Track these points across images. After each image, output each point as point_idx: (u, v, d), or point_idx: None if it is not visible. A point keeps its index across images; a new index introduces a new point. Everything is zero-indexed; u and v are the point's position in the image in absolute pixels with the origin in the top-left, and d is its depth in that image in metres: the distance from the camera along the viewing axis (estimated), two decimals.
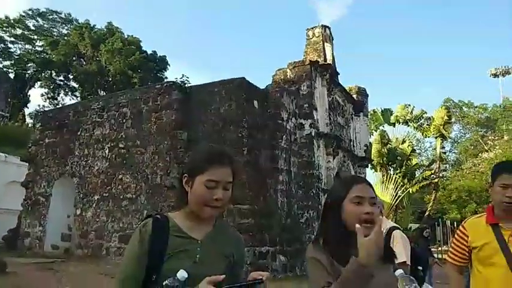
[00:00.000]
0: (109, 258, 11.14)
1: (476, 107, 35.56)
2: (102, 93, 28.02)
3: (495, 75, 41.28)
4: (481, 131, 35.73)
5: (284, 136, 12.23)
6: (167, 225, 1.51)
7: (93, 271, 9.39)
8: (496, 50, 68.75)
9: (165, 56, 30.41)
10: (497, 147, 32.18)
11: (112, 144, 12.48)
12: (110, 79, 28.77)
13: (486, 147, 33.41)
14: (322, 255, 1.60)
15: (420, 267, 3.23)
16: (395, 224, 3.57)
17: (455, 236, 2.44)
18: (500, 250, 2.13)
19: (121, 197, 11.84)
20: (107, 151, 12.57)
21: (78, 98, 29.37)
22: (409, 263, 3.20)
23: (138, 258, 1.45)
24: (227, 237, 1.63)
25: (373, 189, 1.72)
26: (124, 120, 12.42)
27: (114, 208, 11.88)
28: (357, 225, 1.50)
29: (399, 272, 1.58)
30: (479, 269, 2.24)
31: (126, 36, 28.98)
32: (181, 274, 1.39)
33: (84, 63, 29.63)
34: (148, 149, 11.62)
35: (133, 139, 12.03)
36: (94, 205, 12.38)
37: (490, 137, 35.10)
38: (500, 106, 34.90)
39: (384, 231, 3.37)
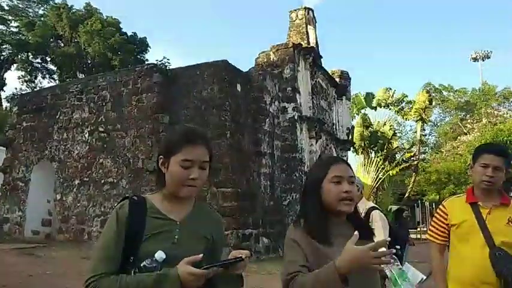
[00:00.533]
0: (91, 242, 11.05)
1: (456, 91, 36.17)
2: (81, 75, 27.30)
3: (475, 59, 41.96)
4: (460, 115, 36.45)
5: (267, 119, 12.20)
6: (145, 206, 1.49)
7: (75, 255, 9.31)
8: (478, 34, 69.73)
9: (145, 37, 29.73)
10: (475, 130, 32.95)
11: (92, 128, 12.26)
12: (89, 61, 28.03)
13: (465, 130, 34.17)
14: (301, 237, 1.59)
15: (398, 246, 3.29)
16: (374, 205, 3.65)
17: (435, 214, 2.47)
18: (478, 227, 2.18)
19: (102, 181, 11.70)
20: (86, 135, 12.34)
21: (57, 81, 28.60)
22: (388, 240, 3.27)
23: (115, 239, 1.42)
24: (206, 218, 1.61)
25: (352, 169, 1.72)
26: (104, 104, 12.17)
27: (95, 193, 11.75)
28: (356, 233, 1.43)
29: (381, 249, 1.57)
30: (457, 246, 2.29)
31: (105, 17, 28.18)
32: (160, 255, 1.38)
33: (62, 45, 28.75)
34: (129, 133, 11.46)
35: (114, 123, 11.83)
36: (74, 190, 12.23)
37: (469, 121, 35.88)
38: (479, 90, 35.59)
39: (363, 211, 3.48)
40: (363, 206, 3.42)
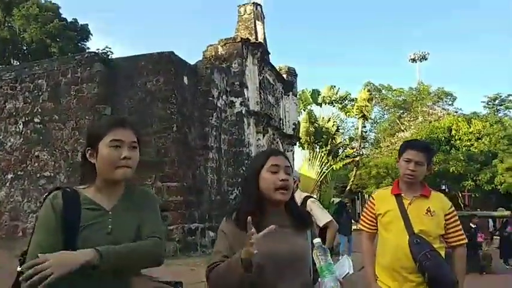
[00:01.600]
0: (26, 240, 10.38)
1: (394, 90, 38.17)
2: (15, 63, 25.45)
3: (413, 60, 44.48)
4: (398, 113, 38.54)
5: (214, 113, 12.17)
6: (78, 197, 1.48)
7: (8, 254, 8.74)
8: (416, 35, 73.88)
9: (86, 24, 28.21)
10: (412, 127, 35.06)
11: (26, 119, 11.53)
12: (25, 48, 26.19)
13: (402, 127, 36.24)
14: (231, 229, 1.65)
15: (319, 239, 3.49)
16: (308, 194, 3.86)
17: (366, 205, 2.65)
18: (400, 216, 2.36)
19: (38, 175, 11.07)
20: (20, 126, 11.59)
21: None
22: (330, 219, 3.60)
23: (53, 230, 1.40)
24: (137, 202, 1.60)
25: (289, 161, 1.80)
26: (40, 93, 11.48)
27: (30, 187, 11.10)
28: (249, 218, 1.48)
29: (317, 240, 1.64)
30: (382, 233, 2.48)
31: (43, 2, 26.43)
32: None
33: None
34: (67, 125, 10.91)
35: (51, 114, 11.20)
36: (8, 184, 11.48)
37: (406, 118, 38.06)
38: (415, 89, 37.82)
39: (299, 201, 3.67)
40: (298, 195, 3.58)
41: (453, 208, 2.42)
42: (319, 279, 1.61)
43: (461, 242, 2.39)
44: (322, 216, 3.60)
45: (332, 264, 1.61)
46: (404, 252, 2.28)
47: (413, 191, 2.42)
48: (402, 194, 2.43)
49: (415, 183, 2.43)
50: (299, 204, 3.63)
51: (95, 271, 1.34)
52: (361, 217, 2.65)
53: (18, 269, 1.45)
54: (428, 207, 2.36)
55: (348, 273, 1.73)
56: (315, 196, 3.90)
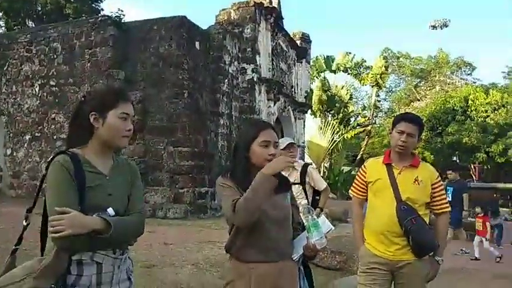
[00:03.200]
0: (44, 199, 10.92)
1: (412, 58, 37.28)
2: (31, 24, 25.46)
3: (434, 27, 42.98)
4: (415, 81, 37.80)
5: (226, 80, 12.21)
6: (80, 160, 1.60)
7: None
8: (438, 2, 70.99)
9: None
10: (428, 96, 34.46)
11: (42, 82, 11.77)
12: (40, 9, 26.08)
13: (418, 97, 35.66)
14: (230, 183, 1.87)
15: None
16: (306, 162, 4.27)
17: (357, 173, 2.80)
18: (389, 184, 2.51)
19: (54, 137, 11.43)
20: (37, 88, 11.86)
21: (3, 28, 26.55)
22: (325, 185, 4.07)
23: (72, 189, 1.52)
24: (126, 169, 1.77)
25: (277, 134, 1.98)
26: (55, 56, 11.65)
27: (47, 148, 11.49)
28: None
29: (304, 202, 1.90)
30: (372, 200, 2.63)
31: None
32: (111, 211, 1.56)
33: None
34: (82, 88, 11.11)
35: (66, 77, 11.41)
36: (26, 145, 11.89)
37: (422, 87, 37.36)
38: (434, 57, 36.87)
39: (299, 167, 4.06)
40: (298, 164, 4.08)
41: (439, 178, 2.56)
42: (305, 234, 1.84)
43: (445, 209, 2.54)
44: (320, 182, 4.05)
45: (318, 223, 1.85)
46: (391, 217, 2.44)
47: (403, 161, 2.54)
48: (393, 164, 2.56)
49: (406, 153, 2.55)
50: (299, 170, 3.96)
51: (97, 237, 1.50)
52: (353, 184, 2.80)
53: (24, 223, 1.66)
54: (417, 176, 2.50)
55: (332, 229, 1.93)
56: (312, 164, 4.33)
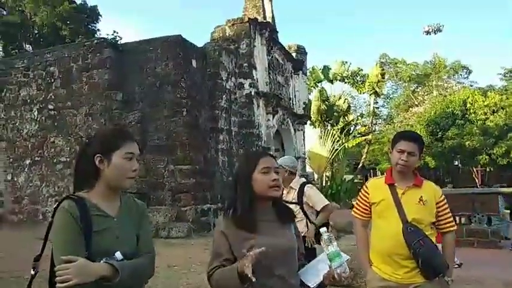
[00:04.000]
0: (46, 223, 10.82)
1: (408, 64, 37.45)
2: (28, 47, 25.66)
3: (428, 33, 43.29)
4: (412, 87, 37.90)
5: (224, 96, 12.24)
6: (86, 204, 1.58)
7: (29, 236, 9.14)
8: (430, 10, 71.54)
9: (96, 5, 28.21)
10: (426, 101, 34.53)
11: (41, 106, 11.80)
12: (36, 32, 26.32)
13: (416, 102, 35.73)
14: (230, 228, 1.79)
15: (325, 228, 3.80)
16: (304, 180, 4.15)
17: (360, 194, 2.75)
18: (394, 205, 2.46)
19: (54, 160, 11.41)
20: (35, 113, 11.88)
21: (1, 53, 26.75)
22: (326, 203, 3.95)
23: (78, 236, 1.50)
24: (133, 209, 1.75)
25: (276, 161, 1.97)
26: (52, 80, 11.69)
27: (48, 172, 11.47)
28: (262, 248, 1.63)
29: (323, 230, 1.83)
30: (376, 221, 2.58)
31: None
32: (119, 255, 1.54)
33: (5, 13, 26.74)
34: (80, 111, 11.14)
35: (64, 100, 11.43)
36: (26, 169, 11.87)
37: (420, 93, 37.45)
38: (430, 62, 37.02)
39: (297, 186, 3.99)
40: (297, 182, 4.03)
41: (443, 196, 2.51)
42: (326, 261, 1.77)
43: (451, 228, 2.49)
44: (317, 202, 3.97)
45: (339, 250, 1.77)
46: (398, 239, 2.38)
47: (406, 181, 2.50)
48: (395, 184, 2.51)
49: (408, 172, 2.51)
50: (297, 190, 3.90)
51: (106, 284, 1.47)
52: (355, 205, 2.75)
53: (32, 272, 1.62)
54: (421, 196, 2.45)
55: (348, 259, 1.85)
56: (310, 182, 4.22)
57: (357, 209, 2.70)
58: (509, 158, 22.46)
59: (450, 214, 2.52)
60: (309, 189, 3.97)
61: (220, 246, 1.77)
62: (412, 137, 2.51)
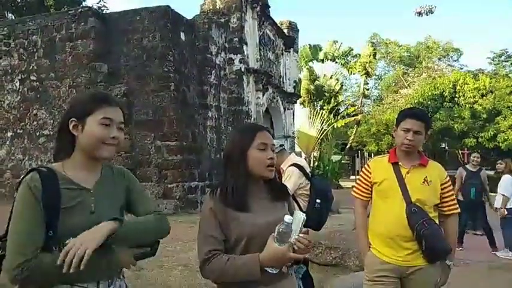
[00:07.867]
0: None
1: (400, 46, 37.24)
2: (10, 16, 24.67)
3: (420, 14, 42.94)
4: (403, 68, 37.83)
5: (213, 71, 11.91)
6: (56, 178, 1.40)
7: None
8: None
9: None
10: (416, 83, 34.53)
11: (23, 76, 11.32)
12: (19, 0, 25.26)
13: (406, 84, 35.72)
14: (218, 206, 1.60)
15: (319, 200, 3.50)
16: (295, 162, 3.75)
17: (360, 173, 2.60)
18: (397, 185, 2.32)
19: (37, 133, 11.04)
20: (17, 84, 11.41)
21: None
22: (291, 192, 3.54)
23: (38, 214, 1.33)
24: (116, 183, 1.58)
25: (272, 136, 1.77)
26: (35, 50, 11.18)
27: (30, 145, 11.11)
28: (270, 239, 1.49)
29: (287, 217, 1.53)
30: (378, 202, 2.44)
31: None
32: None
33: None
34: (64, 82, 10.71)
35: (47, 71, 10.97)
36: (8, 142, 11.48)
37: (410, 74, 37.42)
38: (423, 44, 36.86)
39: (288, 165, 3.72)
40: (289, 162, 3.74)
41: (448, 178, 2.38)
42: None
43: (455, 211, 2.37)
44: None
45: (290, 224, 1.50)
46: (401, 220, 2.27)
47: (411, 160, 2.36)
48: (400, 163, 2.37)
49: (413, 152, 2.37)
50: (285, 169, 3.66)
51: (108, 241, 1.34)
52: (356, 184, 2.61)
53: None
54: (426, 176, 2.32)
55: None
56: (298, 164, 3.80)
57: (357, 188, 2.56)
58: (495, 141, 22.68)
59: (454, 197, 2.40)
60: (288, 169, 3.61)
61: (210, 226, 1.58)
62: (419, 115, 2.35)
